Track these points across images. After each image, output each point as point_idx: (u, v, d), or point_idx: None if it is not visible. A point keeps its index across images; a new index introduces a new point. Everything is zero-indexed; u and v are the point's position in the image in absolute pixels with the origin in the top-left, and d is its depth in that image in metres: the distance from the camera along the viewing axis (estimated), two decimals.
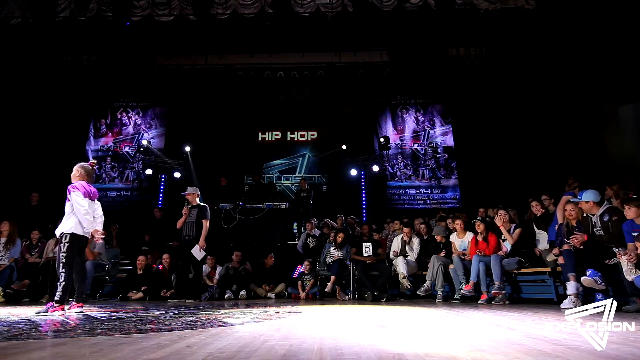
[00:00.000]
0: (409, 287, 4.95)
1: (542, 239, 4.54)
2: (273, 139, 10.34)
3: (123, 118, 10.23)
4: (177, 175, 9.27)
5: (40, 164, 8.61)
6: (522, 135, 8.66)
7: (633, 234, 3.17)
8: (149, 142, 9.18)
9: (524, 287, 4.47)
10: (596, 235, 3.55)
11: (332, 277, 5.40)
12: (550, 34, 8.33)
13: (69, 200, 3.29)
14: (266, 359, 1.28)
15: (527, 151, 8.47)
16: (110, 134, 10.09)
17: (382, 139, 8.89)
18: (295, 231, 8.10)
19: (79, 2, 8.52)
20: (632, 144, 7.60)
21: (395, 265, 5.30)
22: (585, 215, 3.68)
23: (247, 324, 2.34)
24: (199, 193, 5.41)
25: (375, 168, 9.12)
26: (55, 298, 3.11)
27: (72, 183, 3.39)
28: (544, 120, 8.58)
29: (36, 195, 7.05)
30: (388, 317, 2.77)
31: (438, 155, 9.71)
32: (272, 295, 5.84)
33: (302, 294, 5.66)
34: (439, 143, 9.83)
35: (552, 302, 3.95)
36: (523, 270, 4.36)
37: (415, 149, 9.84)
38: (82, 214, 3.25)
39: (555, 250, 3.92)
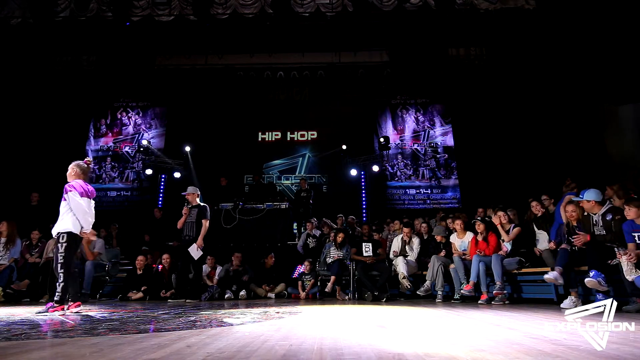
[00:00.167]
0: (409, 287, 4.94)
1: (542, 239, 4.53)
2: (273, 139, 10.34)
3: (123, 118, 10.24)
4: (177, 175, 9.27)
5: (40, 164, 8.61)
6: (522, 135, 8.66)
7: (633, 234, 3.17)
8: (149, 142, 9.18)
9: (524, 287, 4.47)
10: (597, 235, 3.55)
11: (332, 277, 5.39)
12: (550, 34, 8.32)
13: (64, 200, 3.24)
14: (266, 359, 1.28)
15: (527, 151, 8.47)
16: (110, 134, 10.09)
17: (382, 139, 8.89)
18: (295, 231, 8.10)
19: (79, 2, 8.52)
20: (632, 144, 7.60)
21: (395, 265, 5.30)
22: (586, 214, 3.68)
23: (247, 324, 2.34)
24: (199, 193, 5.40)
25: (375, 168, 9.12)
26: (55, 298, 3.10)
27: (68, 182, 3.34)
28: (544, 120, 8.58)
29: (36, 195, 7.05)
30: (388, 317, 2.77)
31: (438, 155, 9.71)
32: (272, 295, 5.83)
33: (302, 294, 5.65)
34: (439, 143, 9.83)
35: (552, 302, 3.95)
36: (523, 270, 4.36)
37: (415, 149, 9.84)
38: (81, 214, 3.21)
39: (552, 244, 3.94)
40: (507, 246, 4.52)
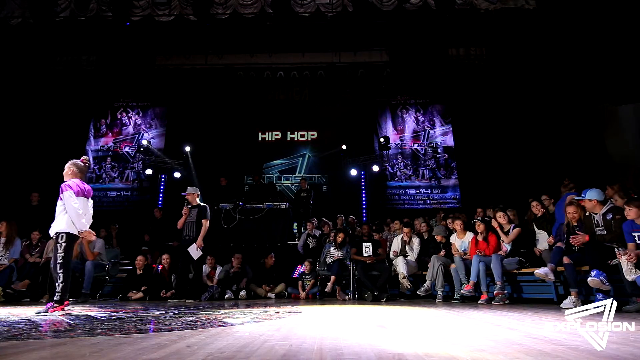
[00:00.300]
0: (409, 287, 4.94)
1: (542, 239, 4.53)
2: (273, 139, 10.35)
3: (123, 118, 10.24)
4: (177, 175, 9.27)
5: (40, 164, 8.60)
6: (522, 135, 8.66)
7: (633, 233, 3.17)
8: (149, 142, 9.19)
9: (524, 287, 4.47)
10: (598, 235, 3.55)
11: (332, 277, 5.39)
12: (550, 34, 8.32)
13: (61, 200, 3.20)
14: (266, 359, 1.28)
15: (527, 151, 8.47)
16: (110, 134, 10.09)
17: (382, 139, 8.90)
18: (295, 231, 8.10)
19: (79, 2, 8.52)
20: (632, 144, 7.60)
21: (395, 265, 5.30)
22: (588, 214, 3.69)
23: (247, 324, 2.34)
24: (199, 193, 5.40)
25: (375, 168, 9.12)
26: (55, 298, 3.10)
27: (65, 181, 3.30)
28: (544, 120, 8.58)
29: (36, 195, 7.05)
30: (388, 317, 2.77)
31: (438, 155, 9.71)
32: (272, 295, 5.83)
33: (302, 294, 5.65)
34: (439, 143, 9.83)
35: (552, 302, 3.95)
36: (523, 270, 4.36)
37: (415, 149, 9.84)
38: (74, 215, 3.16)
39: (550, 239, 3.94)
40: (506, 246, 4.52)
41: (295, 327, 2.19)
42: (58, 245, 3.16)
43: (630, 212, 3.21)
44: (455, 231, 5.02)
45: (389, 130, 9.93)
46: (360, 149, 9.42)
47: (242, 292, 5.57)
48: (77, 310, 3.54)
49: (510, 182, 8.06)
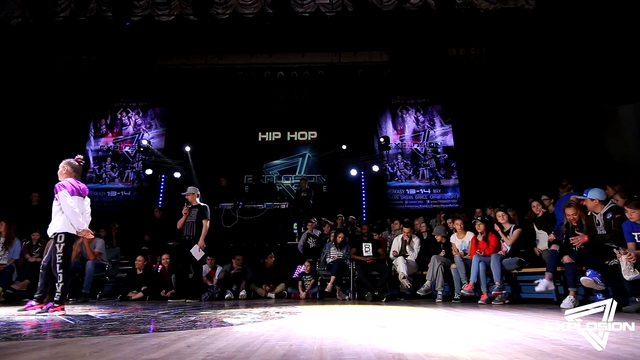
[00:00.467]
0: (409, 287, 4.94)
1: (542, 239, 4.53)
2: (273, 139, 10.35)
3: (123, 118, 10.24)
4: (177, 175, 9.27)
5: (40, 164, 8.59)
6: (522, 135, 8.66)
7: (633, 233, 3.17)
8: (149, 142, 9.19)
9: (524, 287, 4.47)
10: (597, 235, 3.55)
11: (332, 277, 5.39)
12: (550, 34, 8.32)
13: (56, 199, 3.17)
14: (266, 359, 1.28)
15: (527, 151, 8.47)
16: (110, 134, 10.09)
17: (382, 139, 8.90)
18: (295, 231, 8.10)
19: (79, 2, 8.52)
20: (632, 144, 7.60)
21: (395, 265, 5.30)
22: (589, 214, 3.69)
23: (247, 324, 2.34)
24: (198, 193, 5.40)
25: (375, 168, 9.12)
26: (55, 298, 3.09)
27: (59, 181, 3.26)
28: (544, 120, 8.57)
29: (36, 195, 7.04)
30: (388, 317, 2.77)
31: (438, 155, 9.71)
32: (272, 295, 5.83)
33: (302, 294, 5.65)
34: (439, 143, 9.83)
35: (552, 302, 3.95)
36: (523, 270, 4.36)
37: (415, 149, 9.84)
38: (70, 214, 3.12)
39: (551, 236, 3.93)
40: (507, 246, 4.52)
41: (295, 327, 2.19)
42: (57, 245, 3.14)
43: (633, 215, 3.19)
44: (455, 231, 5.02)
45: (389, 130, 9.93)
46: (360, 149, 9.42)
47: (242, 292, 5.57)
48: (77, 310, 3.54)
49: (510, 182, 8.06)
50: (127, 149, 9.97)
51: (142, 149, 9.04)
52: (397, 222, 6.62)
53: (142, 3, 8.57)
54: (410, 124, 10.04)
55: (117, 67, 9.68)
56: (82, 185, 3.38)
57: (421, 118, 10.06)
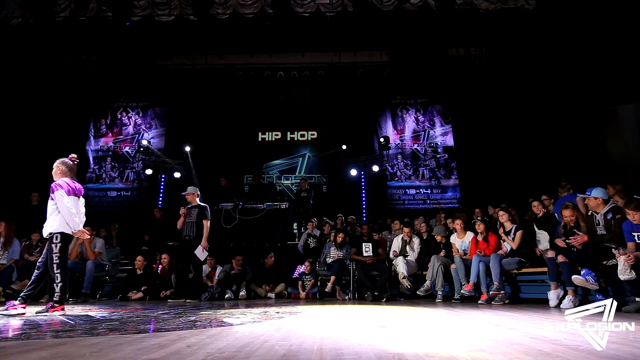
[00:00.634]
0: (409, 287, 4.94)
1: (543, 239, 4.53)
2: (273, 139, 10.35)
3: (123, 118, 10.24)
4: (177, 175, 9.27)
5: (40, 164, 8.59)
6: (522, 135, 8.66)
7: (633, 233, 3.16)
8: (149, 142, 9.19)
9: (524, 287, 4.47)
10: (597, 235, 3.55)
11: (332, 277, 5.39)
12: (551, 34, 8.32)
13: (52, 199, 3.15)
14: (266, 359, 1.28)
15: (527, 151, 8.47)
16: (110, 134, 10.09)
17: (382, 139, 8.90)
18: (295, 231, 8.10)
19: (79, 2, 8.52)
20: (632, 144, 7.60)
21: (395, 265, 5.30)
22: (590, 213, 3.69)
23: (247, 324, 2.34)
24: (198, 193, 5.40)
25: (375, 168, 9.12)
26: (54, 298, 3.09)
27: (54, 180, 3.24)
28: (544, 120, 8.58)
29: (36, 195, 7.04)
30: (388, 317, 2.77)
31: (438, 155, 9.71)
32: (272, 295, 5.83)
33: (302, 294, 5.65)
34: (439, 143, 9.83)
35: None
36: (523, 270, 4.36)
37: (415, 149, 9.84)
38: (67, 214, 3.10)
39: (561, 243, 3.89)
40: (507, 246, 4.52)
41: (295, 327, 2.19)
42: (53, 245, 3.11)
43: (636, 217, 3.19)
44: (455, 231, 5.02)
45: (389, 130, 9.93)
46: (360, 149, 9.42)
47: (242, 292, 5.56)
48: (77, 310, 3.54)
49: (510, 182, 8.06)
50: (127, 149, 9.97)
51: (142, 149, 9.04)
52: (397, 222, 6.61)
53: (142, 3, 8.57)
54: (410, 124, 10.04)
55: (117, 67, 9.68)
56: (78, 185, 3.36)
57: (421, 118, 10.06)
